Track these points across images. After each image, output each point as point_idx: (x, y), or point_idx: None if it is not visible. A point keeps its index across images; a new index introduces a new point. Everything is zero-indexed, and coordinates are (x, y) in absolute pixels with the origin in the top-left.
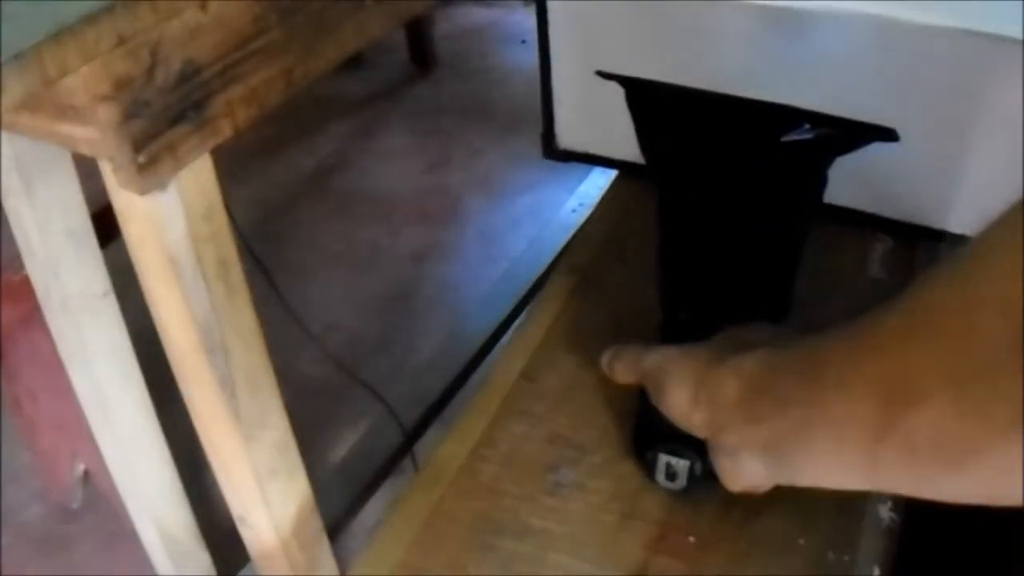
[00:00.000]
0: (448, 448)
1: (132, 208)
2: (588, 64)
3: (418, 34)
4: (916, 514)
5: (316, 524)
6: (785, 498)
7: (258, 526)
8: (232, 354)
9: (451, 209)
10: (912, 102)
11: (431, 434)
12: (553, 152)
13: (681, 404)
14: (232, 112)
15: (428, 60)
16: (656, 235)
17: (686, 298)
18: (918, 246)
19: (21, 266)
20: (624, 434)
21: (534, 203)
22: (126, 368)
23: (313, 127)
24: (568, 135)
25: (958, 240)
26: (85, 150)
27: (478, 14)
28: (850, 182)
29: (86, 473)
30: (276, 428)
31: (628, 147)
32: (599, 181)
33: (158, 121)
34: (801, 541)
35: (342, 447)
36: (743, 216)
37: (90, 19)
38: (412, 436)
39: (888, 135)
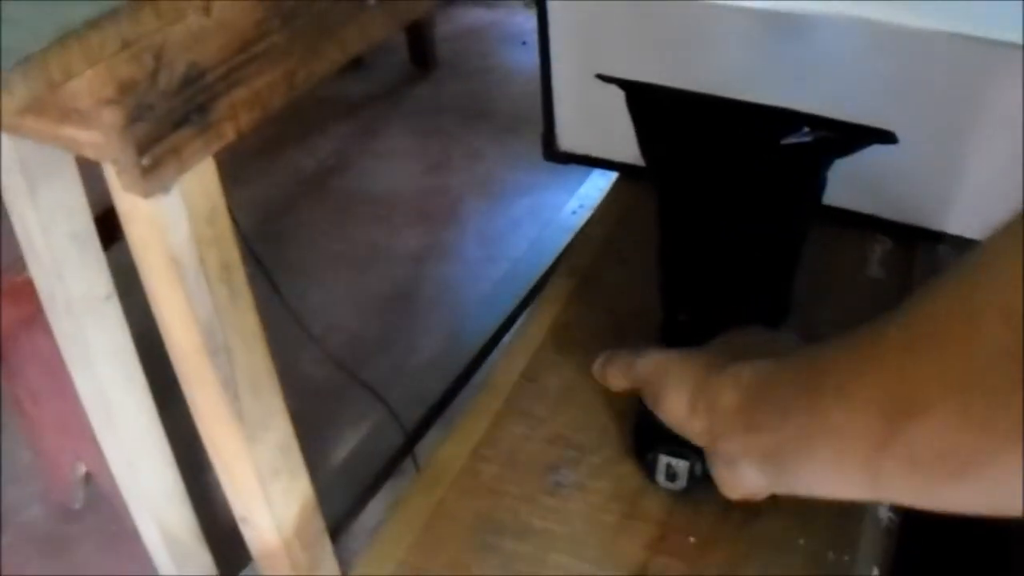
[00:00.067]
0: (449, 448)
1: (136, 211)
2: (588, 66)
3: (418, 35)
4: (915, 514)
5: (318, 524)
6: (785, 499)
7: (260, 526)
8: (235, 355)
9: (451, 210)
10: (910, 105)
11: (432, 435)
12: (553, 154)
13: (679, 412)
14: (235, 115)
15: (428, 61)
16: (656, 237)
17: (686, 299)
18: (917, 247)
19: (23, 268)
20: (624, 435)
21: (534, 204)
22: (129, 370)
23: (313, 128)
24: (568, 137)
25: (957, 241)
26: (89, 153)
27: (478, 15)
28: (849, 184)
29: (87, 474)
30: (278, 429)
31: (628, 149)
32: (599, 183)
33: (162, 124)
34: (801, 541)
35: (343, 448)
36: (743, 218)
37: (94, 23)
38: (413, 437)
39: (887, 138)
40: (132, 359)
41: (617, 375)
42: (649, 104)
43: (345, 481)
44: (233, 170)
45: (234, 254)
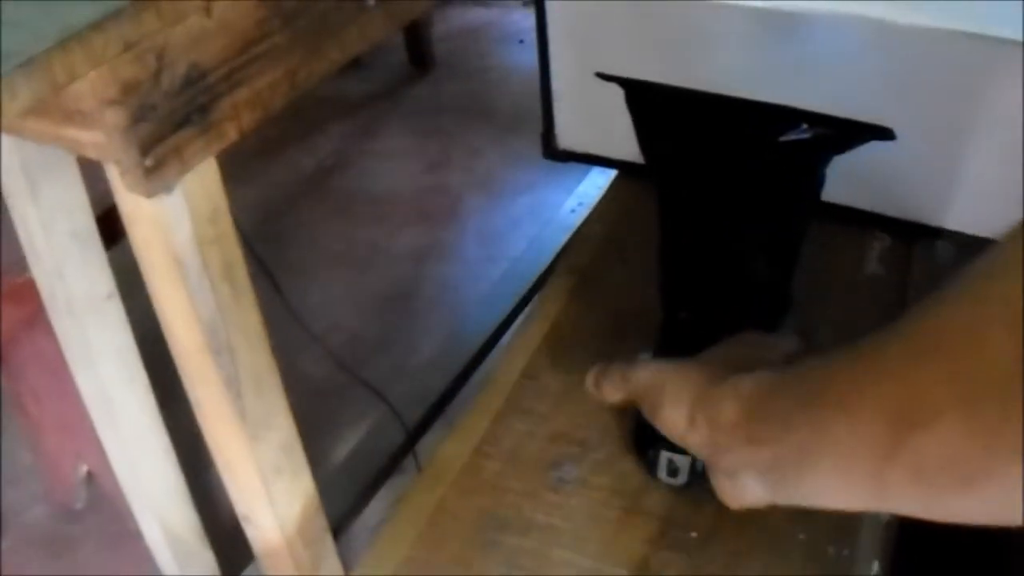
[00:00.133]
0: (452, 446)
1: (138, 211)
2: (587, 65)
3: (416, 35)
4: None
5: (320, 522)
6: None
7: (263, 525)
8: (238, 354)
9: (451, 209)
10: (909, 102)
11: (433, 433)
12: (553, 152)
13: (677, 424)
14: (237, 115)
15: (426, 61)
16: (655, 235)
17: (686, 297)
18: (915, 243)
19: (25, 268)
20: (626, 431)
21: (533, 203)
22: (131, 369)
23: (313, 128)
24: (567, 135)
25: (955, 237)
26: (92, 154)
27: (476, 14)
28: (848, 181)
29: (89, 474)
30: (281, 428)
31: (627, 147)
32: (598, 181)
33: (164, 125)
34: (801, 536)
35: (344, 447)
36: (742, 215)
37: (97, 25)
38: (414, 435)
39: (885, 134)
40: (134, 358)
41: (612, 388)
42: (649, 102)
43: (346, 480)
44: (233, 170)
45: (236, 253)
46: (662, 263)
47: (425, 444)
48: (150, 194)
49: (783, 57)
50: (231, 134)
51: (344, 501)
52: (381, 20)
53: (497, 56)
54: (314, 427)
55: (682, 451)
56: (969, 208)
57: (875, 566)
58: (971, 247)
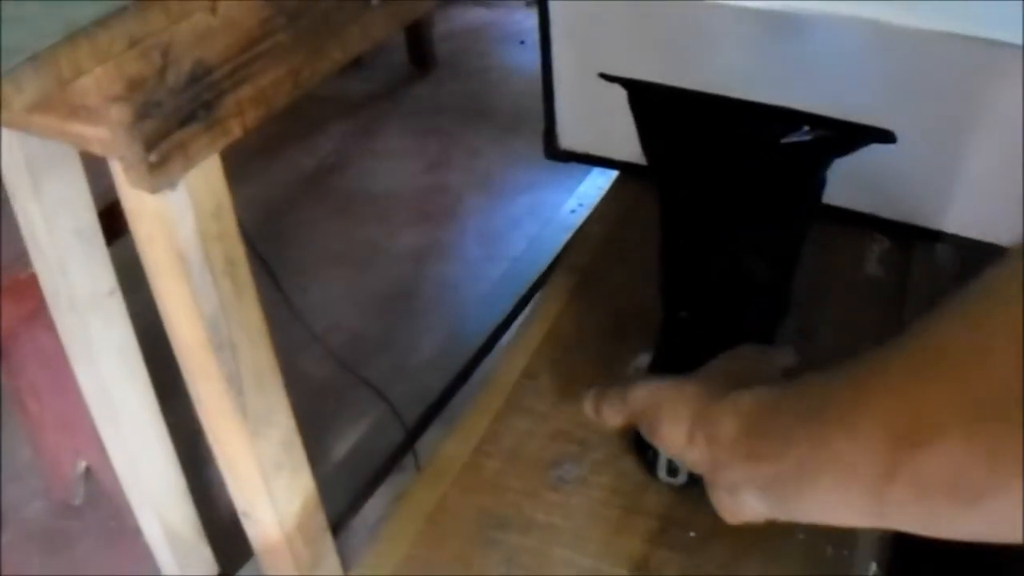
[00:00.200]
0: (452, 445)
1: (142, 207)
2: (589, 65)
3: (417, 35)
4: None
5: (320, 520)
6: None
7: (263, 521)
8: (239, 351)
9: (451, 209)
10: (909, 105)
11: (432, 432)
12: (554, 152)
13: (676, 442)
14: (241, 112)
15: (427, 60)
16: (656, 235)
17: (686, 297)
18: (914, 246)
19: (26, 264)
20: (625, 431)
21: (534, 203)
22: (132, 365)
23: (313, 127)
24: (569, 136)
25: (954, 240)
26: (97, 149)
27: (477, 14)
28: (848, 183)
29: (88, 470)
30: (281, 425)
31: (628, 148)
32: (598, 181)
33: (169, 121)
34: (800, 536)
35: (344, 445)
36: (743, 216)
37: (103, 22)
38: (413, 434)
39: (885, 137)
40: (135, 355)
41: (612, 412)
42: (651, 103)
43: (346, 478)
44: (233, 169)
45: (239, 250)
46: (663, 263)
47: (424, 443)
48: (154, 190)
49: (784, 59)
50: (235, 131)
51: (343, 499)
52: (383, 19)
53: (498, 56)
54: (314, 425)
55: None
56: (968, 211)
57: (873, 567)
58: (970, 250)
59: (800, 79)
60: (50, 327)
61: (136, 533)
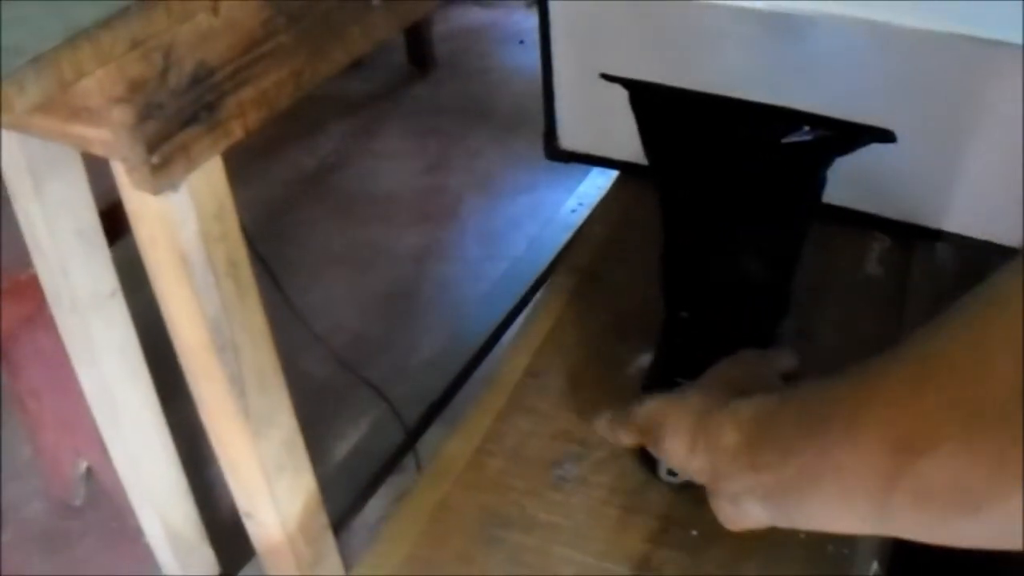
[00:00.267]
0: (454, 444)
1: (144, 208)
2: (589, 65)
3: (417, 35)
4: None
5: (322, 520)
6: None
7: (265, 522)
8: (242, 352)
9: (451, 209)
10: (909, 104)
11: (433, 432)
12: (555, 152)
13: (679, 452)
14: (243, 113)
15: (427, 61)
16: (656, 235)
17: (688, 297)
18: (915, 245)
19: (26, 265)
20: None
21: (534, 203)
22: (133, 366)
23: (313, 127)
24: (569, 136)
25: (955, 239)
26: (99, 151)
27: (476, 15)
28: (848, 182)
29: (89, 470)
30: (284, 425)
31: (629, 148)
32: (598, 181)
33: (171, 123)
34: (801, 535)
35: (345, 445)
36: (744, 216)
37: (105, 23)
38: (414, 434)
39: (886, 137)
40: (137, 355)
41: (623, 432)
42: (652, 103)
43: (347, 478)
44: (233, 169)
45: (241, 251)
46: (664, 263)
47: (425, 443)
48: (156, 191)
49: (784, 59)
50: (237, 132)
51: (344, 499)
52: (385, 20)
53: (498, 57)
54: (314, 425)
55: None
56: (968, 210)
57: (874, 566)
58: (971, 249)
59: (800, 79)
60: (50, 328)
61: (137, 533)
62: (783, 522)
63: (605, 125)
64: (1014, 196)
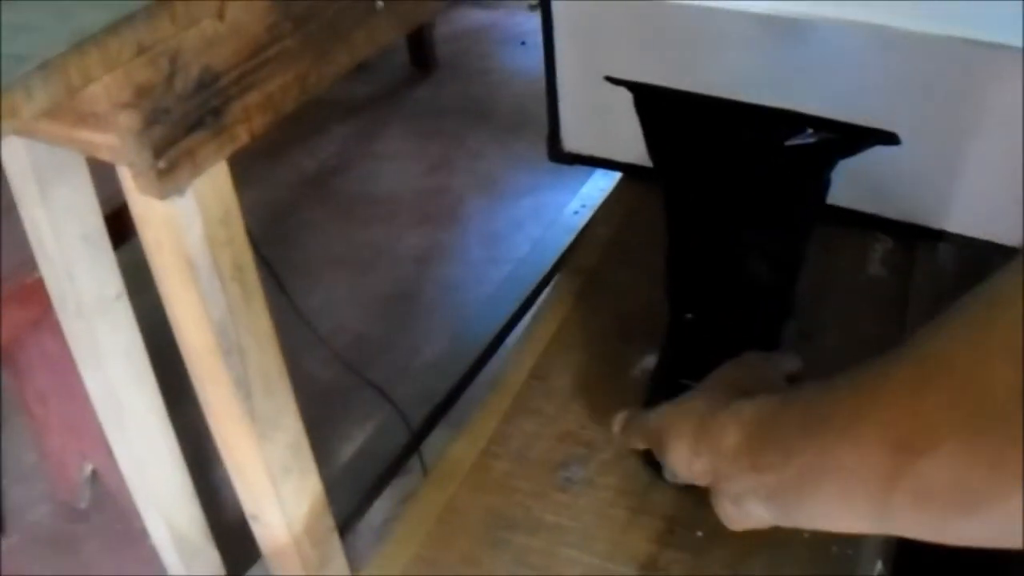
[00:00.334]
0: (460, 446)
1: (151, 213)
2: (593, 68)
3: (418, 37)
4: None
5: (328, 522)
6: None
7: (271, 524)
8: (248, 355)
9: (453, 211)
10: (911, 106)
11: (438, 434)
12: (558, 155)
13: (681, 456)
14: (249, 118)
15: (428, 62)
16: (660, 237)
17: (692, 299)
18: (917, 246)
19: (32, 270)
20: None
21: (536, 205)
22: (139, 369)
23: (315, 129)
24: (573, 138)
25: (957, 240)
26: (105, 156)
27: (477, 16)
28: (851, 183)
29: (94, 473)
30: (289, 428)
31: (632, 150)
32: (601, 183)
33: (177, 128)
34: (806, 535)
35: (349, 447)
36: (748, 218)
37: (112, 29)
38: (419, 436)
39: (889, 139)
40: (142, 358)
41: (635, 437)
42: (657, 106)
43: (351, 480)
44: (236, 172)
45: (247, 255)
46: (669, 265)
47: (430, 445)
48: (163, 196)
49: (787, 62)
50: (243, 137)
51: (349, 501)
52: (389, 24)
53: (499, 58)
54: (319, 428)
55: None
56: (970, 211)
57: (879, 566)
58: (972, 249)
59: (802, 81)
60: (56, 332)
61: (142, 536)
62: (785, 522)
63: (608, 127)
64: (1014, 196)
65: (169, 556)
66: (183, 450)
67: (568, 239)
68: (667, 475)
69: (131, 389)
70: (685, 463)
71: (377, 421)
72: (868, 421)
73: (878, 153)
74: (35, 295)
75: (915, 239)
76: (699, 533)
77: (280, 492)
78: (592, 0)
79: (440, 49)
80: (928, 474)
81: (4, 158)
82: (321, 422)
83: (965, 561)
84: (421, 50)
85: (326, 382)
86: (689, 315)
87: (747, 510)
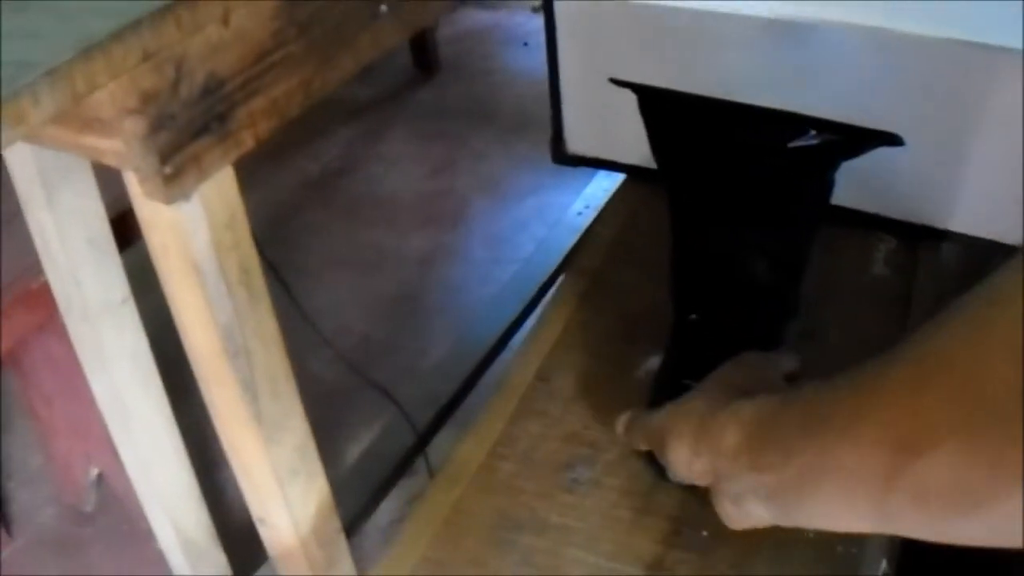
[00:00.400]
0: (467, 448)
1: (157, 217)
2: (596, 69)
3: (421, 38)
4: None
5: (335, 523)
6: None
7: (278, 526)
8: (254, 358)
9: (457, 212)
10: (913, 107)
11: (443, 435)
12: (562, 156)
13: (682, 456)
14: (254, 123)
15: (431, 64)
16: (664, 238)
17: (696, 300)
18: (920, 246)
19: (38, 274)
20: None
21: (540, 206)
22: (145, 372)
23: (318, 132)
24: (577, 139)
25: (960, 240)
26: (111, 162)
27: (480, 17)
28: (853, 184)
29: (100, 476)
30: (296, 430)
31: (636, 151)
32: (604, 184)
33: (183, 133)
34: (810, 535)
35: (355, 449)
36: (752, 220)
37: (117, 36)
38: (424, 437)
39: (893, 140)
40: (148, 362)
41: (638, 438)
42: (661, 108)
43: (357, 481)
44: (240, 175)
45: (253, 259)
46: (673, 266)
47: (435, 446)
48: (169, 201)
49: (790, 64)
50: (248, 142)
51: (356, 502)
52: (393, 27)
53: (502, 59)
54: (324, 429)
55: None
56: (973, 210)
57: (883, 565)
58: (975, 249)
59: (804, 83)
60: (62, 335)
61: (149, 538)
62: (785, 522)
63: (611, 128)
64: (1015, 196)
65: (175, 558)
66: (189, 452)
67: (572, 240)
68: (670, 475)
69: (137, 392)
70: (685, 463)
71: (382, 423)
72: (868, 421)
73: (881, 154)
74: (41, 299)
75: (918, 239)
76: (704, 533)
77: (287, 494)
78: (595, 1)
79: (443, 51)
80: (927, 474)
81: (10, 163)
82: (327, 424)
83: (970, 561)
84: (424, 52)
85: (331, 384)
86: (693, 316)
87: (747, 510)
